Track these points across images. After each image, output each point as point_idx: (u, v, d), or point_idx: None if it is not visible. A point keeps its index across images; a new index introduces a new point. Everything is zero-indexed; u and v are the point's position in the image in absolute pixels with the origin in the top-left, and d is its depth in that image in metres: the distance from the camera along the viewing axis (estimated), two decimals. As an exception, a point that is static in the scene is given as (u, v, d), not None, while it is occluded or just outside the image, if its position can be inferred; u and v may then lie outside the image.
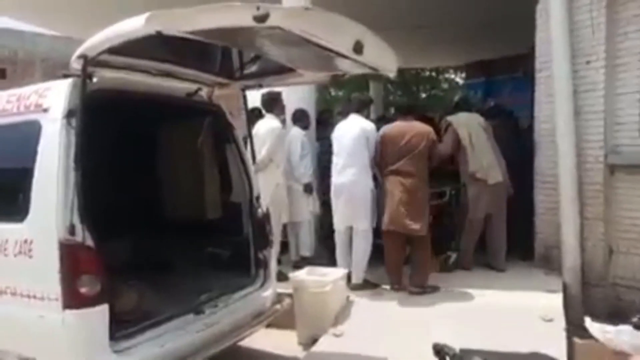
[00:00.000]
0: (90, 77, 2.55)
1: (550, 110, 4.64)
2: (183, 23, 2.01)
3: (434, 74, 18.44)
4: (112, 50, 2.53)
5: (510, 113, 6.28)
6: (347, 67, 2.79)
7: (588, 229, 4.47)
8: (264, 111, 4.82)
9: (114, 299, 2.58)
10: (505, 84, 10.78)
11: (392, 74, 2.90)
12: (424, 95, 19.28)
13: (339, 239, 4.49)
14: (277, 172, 4.64)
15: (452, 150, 4.82)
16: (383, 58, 2.71)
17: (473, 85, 12.35)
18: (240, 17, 1.90)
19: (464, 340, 3.25)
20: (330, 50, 2.34)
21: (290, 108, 5.50)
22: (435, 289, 4.29)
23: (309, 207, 5.01)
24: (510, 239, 5.01)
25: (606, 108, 4.31)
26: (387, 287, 4.40)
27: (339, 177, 4.39)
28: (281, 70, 3.21)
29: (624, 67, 4.23)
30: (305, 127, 5.22)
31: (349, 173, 4.33)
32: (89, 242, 2.34)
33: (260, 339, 3.89)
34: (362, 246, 4.34)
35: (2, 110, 2.69)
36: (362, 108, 4.62)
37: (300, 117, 5.25)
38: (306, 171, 4.99)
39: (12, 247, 2.39)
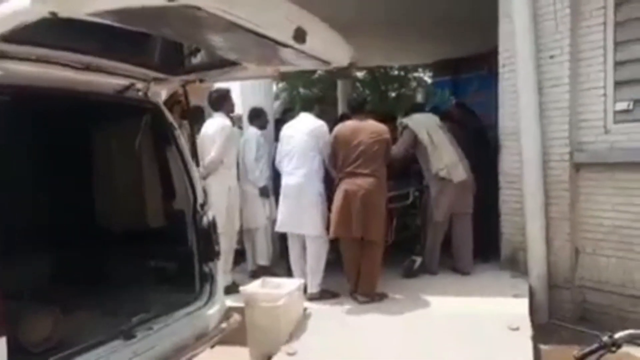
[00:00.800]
0: (-12, 69, 2.18)
1: (514, 107, 4.48)
2: (83, 2, 1.67)
3: (402, 73, 18.38)
4: (20, 40, 2.19)
5: (473, 112, 6.15)
6: (293, 59, 2.49)
7: (554, 229, 4.33)
8: (211, 110, 4.49)
9: (19, 328, 2.23)
10: (470, 82, 10.73)
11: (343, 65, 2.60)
12: (393, 94, 19.20)
13: (291, 246, 4.21)
14: (228, 175, 4.34)
15: (405, 153, 4.64)
16: (332, 49, 2.43)
17: (439, 83, 12.28)
18: (150, -4, 1.59)
19: (424, 353, 3.06)
20: (267, 38, 2.05)
21: (246, 106, 5.23)
22: (382, 296, 4.08)
23: (265, 212, 4.71)
24: (477, 242, 4.86)
25: (571, 104, 4.18)
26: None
27: (288, 178, 4.12)
28: (224, 64, 2.89)
29: (588, 61, 4.10)
30: (262, 126, 4.93)
31: (298, 174, 4.07)
32: (-18, 264, 1.97)
33: (209, 359, 3.58)
34: (316, 253, 4.07)
35: None
36: (311, 106, 4.34)
37: (256, 116, 4.96)
38: (262, 174, 4.70)
39: None
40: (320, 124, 4.22)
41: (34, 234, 3.04)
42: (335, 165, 4.09)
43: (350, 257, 4.06)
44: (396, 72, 18.07)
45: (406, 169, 4.99)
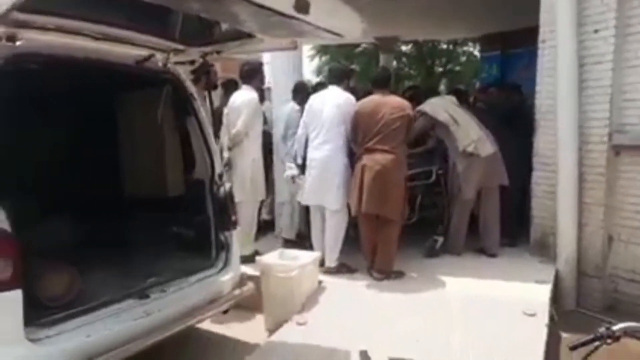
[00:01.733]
0: (12, 39, 2.30)
1: (552, 84, 4.23)
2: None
3: (451, 46, 17.69)
4: (44, 11, 2.30)
5: (514, 89, 5.87)
6: (302, 31, 2.47)
7: (587, 215, 4.12)
8: (240, 82, 4.52)
9: (38, 283, 2.41)
10: (520, 57, 10.20)
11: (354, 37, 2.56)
12: (440, 69, 18.58)
13: (313, 219, 4.23)
14: (253, 147, 4.37)
15: (417, 137, 4.55)
16: (339, 19, 2.39)
17: (488, 58, 11.77)
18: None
19: (431, 335, 3.04)
20: (267, 9, 2.03)
21: (275, 80, 5.22)
22: (399, 274, 4.04)
23: (291, 187, 4.73)
24: (505, 225, 4.71)
25: (613, 82, 3.89)
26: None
27: (314, 152, 4.10)
28: (240, 36, 2.90)
29: (636, 36, 3.78)
30: (300, 102, 4.85)
31: (325, 149, 4.04)
32: (3, 223, 2.13)
33: (230, 322, 3.73)
34: (335, 227, 4.06)
35: None
36: (341, 79, 4.26)
37: (296, 90, 4.92)
38: (291, 151, 4.66)
39: None
40: (347, 97, 4.15)
41: (60, 199, 3.22)
42: (355, 140, 4.05)
43: (365, 233, 4.04)
44: (444, 46, 17.44)
45: (429, 148, 4.87)
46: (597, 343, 1.58)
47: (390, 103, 3.95)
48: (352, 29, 2.57)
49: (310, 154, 4.12)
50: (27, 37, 2.38)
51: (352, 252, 4.28)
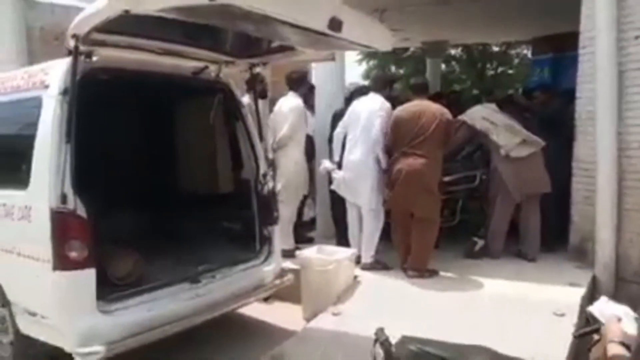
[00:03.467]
0: (89, 55, 2.70)
1: (592, 91, 4.24)
2: (147, 3, 2.07)
3: (503, 49, 17.34)
4: (114, 30, 2.68)
5: (562, 91, 5.83)
6: (337, 45, 2.74)
7: (626, 221, 4.10)
8: (287, 88, 4.82)
9: (107, 264, 2.80)
10: (572, 61, 9.93)
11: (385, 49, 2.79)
12: (491, 72, 18.24)
13: (350, 217, 4.48)
14: (296, 150, 4.67)
15: (463, 143, 4.68)
16: (369, 34, 2.62)
17: (539, 62, 11.50)
18: (194, -4, 1.93)
19: (458, 330, 3.18)
20: (304, 29, 2.31)
21: (319, 85, 5.47)
22: (433, 273, 4.19)
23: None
24: (545, 230, 4.73)
25: (654, 88, 3.87)
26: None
27: (349, 154, 4.35)
28: (284, 49, 3.21)
29: (678, 42, 3.75)
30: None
31: (359, 152, 4.28)
32: (80, 211, 2.53)
33: (269, 311, 4.05)
34: (371, 226, 4.30)
35: (16, 87, 2.94)
36: (382, 87, 4.50)
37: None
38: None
39: (16, 212, 2.65)
40: (386, 106, 4.36)
41: (126, 193, 3.65)
42: (392, 144, 4.24)
43: (398, 230, 4.25)
44: (496, 49, 17.12)
45: (472, 153, 4.97)
46: (599, 335, 1.68)
47: (428, 109, 4.12)
48: (384, 42, 2.80)
49: (346, 156, 4.39)
50: (101, 53, 2.79)
51: (387, 250, 4.48)
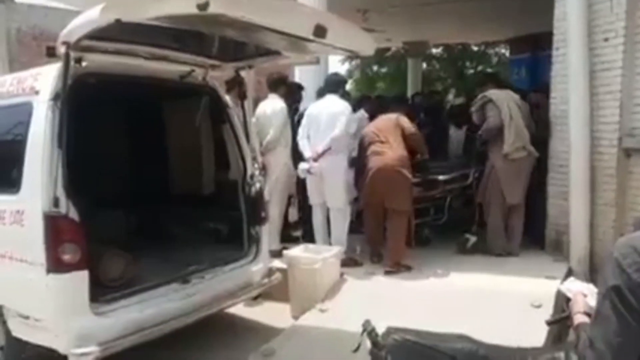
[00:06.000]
0: (79, 61, 2.75)
1: (565, 90, 4.43)
2: (138, 11, 2.14)
3: (482, 48, 17.67)
4: (102, 37, 2.73)
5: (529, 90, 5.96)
6: (321, 50, 2.84)
7: (599, 216, 4.30)
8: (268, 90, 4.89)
9: (99, 266, 2.85)
10: (550, 60, 10.17)
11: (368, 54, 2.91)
12: (471, 71, 18.55)
13: (315, 219, 4.65)
14: (284, 152, 4.74)
15: (501, 124, 4.55)
16: (353, 40, 2.73)
17: (517, 61, 11.79)
18: (184, 6, 2.00)
19: (440, 321, 3.30)
20: (290, 35, 2.40)
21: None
22: (408, 268, 4.33)
23: None
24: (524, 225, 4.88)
25: (623, 88, 4.07)
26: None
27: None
28: (268, 53, 3.29)
29: (645, 44, 3.95)
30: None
31: (325, 153, 4.41)
32: (73, 214, 2.57)
33: (259, 310, 4.13)
34: (339, 224, 4.47)
35: (6, 93, 2.96)
36: (337, 88, 4.63)
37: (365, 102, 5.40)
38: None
39: (8, 216, 2.68)
40: (345, 106, 4.51)
41: (115, 196, 3.69)
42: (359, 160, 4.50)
43: (372, 223, 4.46)
44: (476, 48, 17.44)
45: (467, 149, 5.05)
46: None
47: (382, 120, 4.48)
48: (366, 47, 2.91)
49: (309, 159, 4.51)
50: (91, 59, 2.84)
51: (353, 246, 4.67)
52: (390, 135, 4.35)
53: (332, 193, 4.44)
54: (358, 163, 4.58)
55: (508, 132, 4.54)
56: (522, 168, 4.62)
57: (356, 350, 1.67)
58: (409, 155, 4.38)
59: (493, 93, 4.73)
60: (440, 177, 4.90)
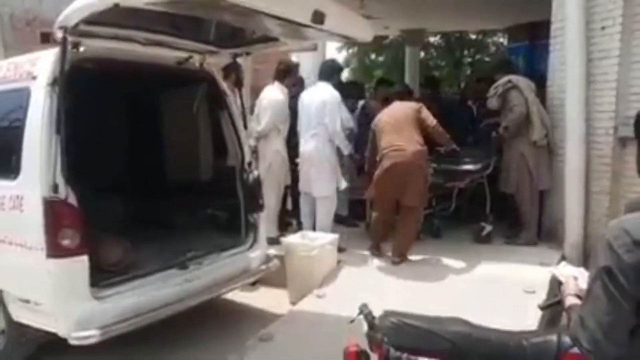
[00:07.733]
0: (77, 46, 2.74)
1: (563, 79, 4.45)
2: (137, -4, 2.13)
3: (480, 37, 17.61)
4: (99, 22, 2.72)
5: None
6: (319, 36, 2.84)
7: (593, 203, 4.34)
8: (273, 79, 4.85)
9: (99, 252, 2.87)
10: (548, 49, 10.15)
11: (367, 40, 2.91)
12: (468, 59, 18.53)
13: (303, 206, 4.71)
14: (277, 140, 4.72)
15: (527, 112, 4.49)
16: (351, 27, 2.73)
17: (515, 49, 11.75)
18: (182, -10, 2.00)
19: (435, 306, 3.34)
20: (288, 21, 2.39)
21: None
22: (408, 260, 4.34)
23: None
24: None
25: (619, 77, 4.08)
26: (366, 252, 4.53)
27: (305, 145, 4.54)
28: (266, 39, 3.28)
29: (642, 33, 3.95)
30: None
31: (314, 142, 4.45)
32: (72, 199, 2.59)
33: (257, 296, 4.17)
34: (324, 211, 4.52)
35: (2, 78, 2.95)
36: (331, 76, 4.63)
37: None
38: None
39: (7, 202, 2.69)
40: (335, 94, 4.49)
41: (113, 183, 3.70)
42: (371, 154, 4.35)
43: (381, 216, 4.37)
44: (473, 37, 17.38)
45: (487, 138, 4.91)
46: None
47: (398, 108, 4.31)
48: (364, 33, 2.91)
49: (302, 147, 4.55)
50: (88, 44, 2.83)
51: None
52: (408, 125, 4.14)
53: (317, 179, 4.47)
54: (370, 151, 4.41)
55: (537, 119, 4.51)
56: (546, 154, 4.64)
57: (352, 322, 1.70)
58: (426, 146, 4.24)
59: (517, 79, 4.65)
60: (468, 167, 4.63)
